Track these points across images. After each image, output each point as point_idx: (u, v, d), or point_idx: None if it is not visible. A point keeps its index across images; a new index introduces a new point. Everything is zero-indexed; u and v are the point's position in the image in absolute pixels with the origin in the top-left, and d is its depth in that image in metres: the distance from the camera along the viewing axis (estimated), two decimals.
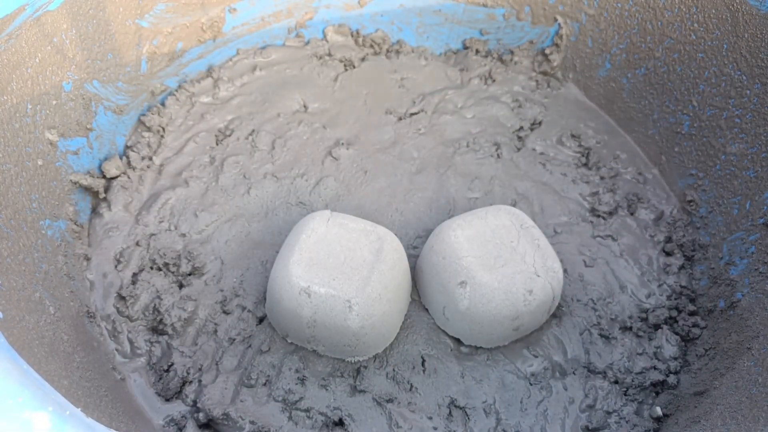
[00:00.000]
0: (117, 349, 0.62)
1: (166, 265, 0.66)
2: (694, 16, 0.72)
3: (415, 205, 0.75)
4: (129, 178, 0.72)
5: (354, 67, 0.87)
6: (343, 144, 0.78)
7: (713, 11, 0.70)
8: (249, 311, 0.65)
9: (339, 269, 0.60)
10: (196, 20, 0.77)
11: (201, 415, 0.58)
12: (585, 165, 0.81)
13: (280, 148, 0.77)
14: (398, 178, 0.77)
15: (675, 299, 0.70)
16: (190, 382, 0.60)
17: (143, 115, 0.76)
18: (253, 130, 0.78)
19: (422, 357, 0.64)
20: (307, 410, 0.60)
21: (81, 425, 0.37)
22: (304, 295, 0.58)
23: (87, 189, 0.68)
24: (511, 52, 0.89)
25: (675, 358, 0.65)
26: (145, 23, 0.72)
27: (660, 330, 0.67)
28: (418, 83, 0.86)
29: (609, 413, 0.62)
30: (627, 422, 0.62)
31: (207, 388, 0.60)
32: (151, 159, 0.74)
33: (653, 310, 0.68)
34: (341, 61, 0.87)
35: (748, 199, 0.68)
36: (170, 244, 0.68)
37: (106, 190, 0.70)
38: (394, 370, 0.62)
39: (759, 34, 0.66)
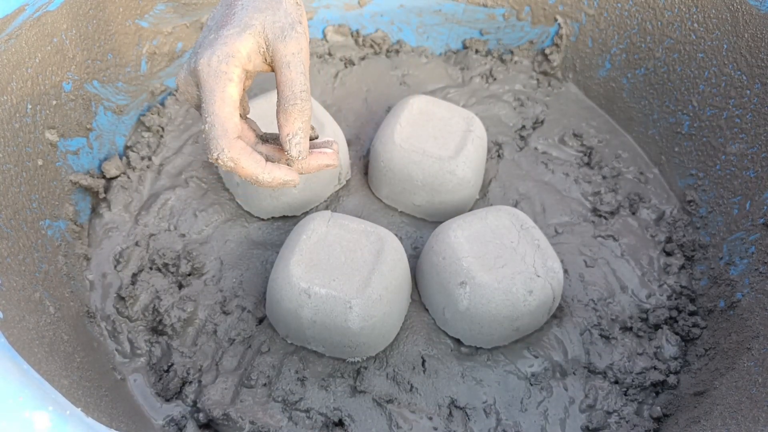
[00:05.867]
0: (117, 349, 0.62)
1: (165, 265, 0.66)
2: (694, 16, 0.72)
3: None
4: (129, 178, 0.72)
5: (354, 65, 0.87)
6: None
7: (713, 11, 0.70)
8: (249, 312, 0.65)
9: (339, 270, 0.60)
10: (196, 20, 0.77)
11: (201, 416, 0.58)
12: (587, 164, 0.81)
13: None
14: None
15: (675, 299, 0.70)
16: (190, 382, 0.60)
17: (143, 115, 0.76)
18: None
19: (422, 357, 0.64)
20: (307, 411, 0.60)
21: (81, 425, 0.37)
22: (305, 295, 0.58)
23: (87, 189, 0.68)
24: (511, 52, 0.89)
25: (675, 358, 0.65)
26: (145, 23, 0.72)
27: (660, 330, 0.67)
28: (420, 81, 0.86)
29: (609, 413, 0.62)
30: (627, 422, 0.62)
31: (207, 388, 0.60)
32: (150, 159, 0.74)
33: (653, 311, 0.68)
34: (341, 59, 0.87)
35: (748, 199, 0.68)
36: (170, 244, 0.68)
37: (106, 190, 0.70)
38: (394, 370, 0.62)
39: (759, 34, 0.66)
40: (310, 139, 0.54)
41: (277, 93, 0.48)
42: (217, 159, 0.47)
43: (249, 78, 0.51)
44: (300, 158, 0.49)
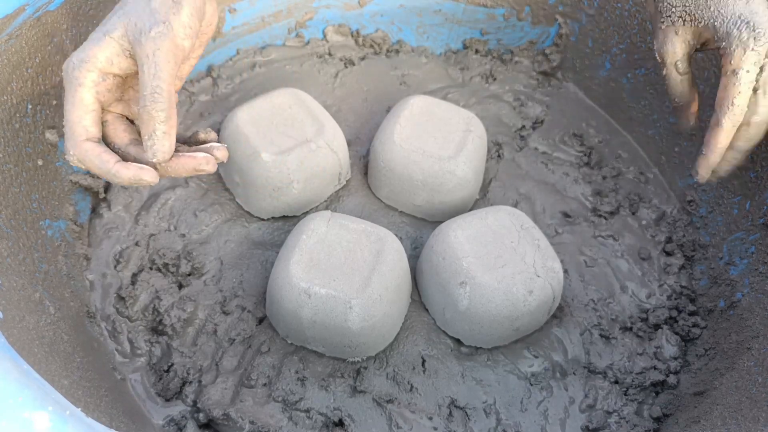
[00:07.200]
0: (117, 349, 0.62)
1: (165, 265, 0.66)
2: None
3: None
4: None
5: (354, 65, 0.87)
6: None
7: None
8: (249, 312, 0.65)
9: (339, 270, 0.60)
10: None
11: (201, 416, 0.58)
12: (587, 164, 0.81)
13: None
14: None
15: (675, 299, 0.70)
16: (190, 382, 0.60)
17: None
18: None
19: (422, 357, 0.64)
20: (307, 411, 0.60)
21: (81, 425, 0.37)
22: (305, 295, 0.58)
23: (87, 189, 0.68)
24: (511, 52, 0.89)
25: (675, 358, 0.65)
26: None
27: (660, 330, 0.67)
28: (420, 81, 0.86)
29: (609, 413, 0.62)
30: (627, 422, 0.62)
31: (207, 388, 0.60)
32: None
33: (653, 311, 0.68)
34: (341, 59, 0.87)
35: (748, 199, 0.68)
36: (170, 244, 0.68)
37: (106, 190, 0.70)
38: (394, 370, 0.62)
39: None
40: (201, 142, 0.53)
41: None
42: (66, 159, 0.49)
43: (131, 78, 0.52)
44: (155, 160, 0.49)
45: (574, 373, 0.65)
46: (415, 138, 0.71)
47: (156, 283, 0.65)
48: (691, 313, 0.69)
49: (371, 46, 0.88)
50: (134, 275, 0.66)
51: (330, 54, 0.87)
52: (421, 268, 0.67)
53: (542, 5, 0.84)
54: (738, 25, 0.51)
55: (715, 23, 0.52)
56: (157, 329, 0.63)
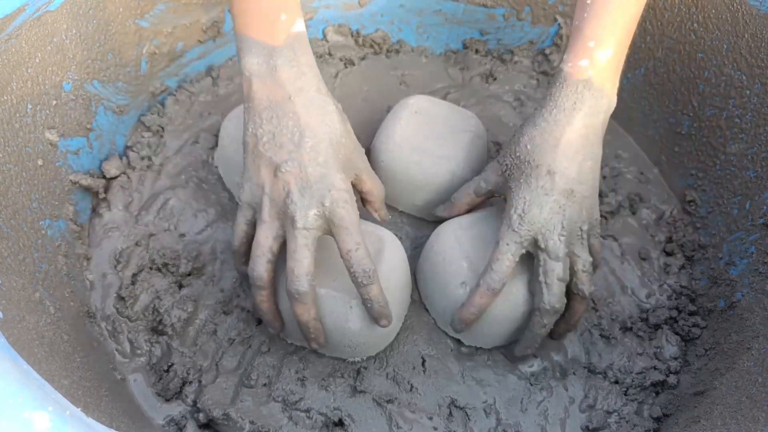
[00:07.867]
0: (117, 349, 0.62)
1: (165, 265, 0.66)
2: (694, 16, 0.72)
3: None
4: (129, 178, 0.72)
5: (354, 65, 0.87)
6: None
7: (713, 11, 0.70)
8: (249, 312, 0.65)
9: (340, 270, 0.60)
10: (196, 20, 0.77)
11: (201, 416, 0.58)
12: None
13: None
14: None
15: (675, 299, 0.70)
16: (190, 382, 0.60)
17: (143, 115, 0.76)
18: None
19: (422, 357, 0.64)
20: (307, 410, 0.60)
21: (81, 425, 0.37)
22: None
23: (87, 189, 0.68)
24: (511, 52, 0.89)
25: (675, 358, 0.65)
26: (145, 23, 0.72)
27: (660, 330, 0.67)
28: (420, 81, 0.86)
29: (609, 413, 0.62)
30: (627, 422, 0.62)
31: (207, 388, 0.60)
32: (150, 159, 0.74)
33: (653, 311, 0.68)
34: (341, 59, 0.87)
35: (748, 199, 0.68)
36: (170, 244, 0.68)
37: (106, 190, 0.70)
38: (394, 370, 0.62)
39: (759, 34, 0.66)
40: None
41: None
42: (293, 293, 0.55)
43: None
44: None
45: (574, 373, 0.65)
46: (415, 138, 0.71)
47: (156, 283, 0.65)
48: (691, 313, 0.69)
49: (371, 46, 0.88)
50: (134, 275, 0.66)
51: (330, 54, 0.87)
52: (421, 268, 0.67)
53: (542, 5, 0.84)
54: (515, 206, 0.58)
55: (513, 193, 0.59)
56: (157, 329, 0.63)
